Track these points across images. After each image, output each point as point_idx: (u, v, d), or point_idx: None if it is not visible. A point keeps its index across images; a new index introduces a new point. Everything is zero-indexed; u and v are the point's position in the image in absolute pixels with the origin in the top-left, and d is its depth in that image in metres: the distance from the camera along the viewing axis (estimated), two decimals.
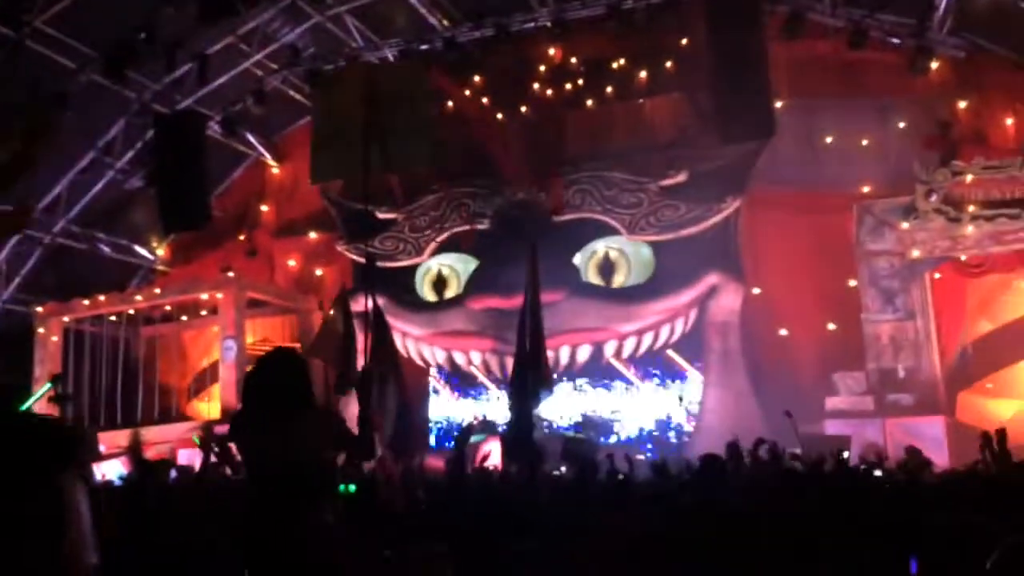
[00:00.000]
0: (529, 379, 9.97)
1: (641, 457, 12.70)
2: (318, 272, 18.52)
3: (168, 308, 18.35)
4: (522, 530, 5.38)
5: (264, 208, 19.22)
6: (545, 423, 15.22)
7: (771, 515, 4.45)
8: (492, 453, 13.32)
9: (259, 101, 17.11)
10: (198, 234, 18.07)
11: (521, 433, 10.04)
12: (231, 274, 17.58)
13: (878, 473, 8.66)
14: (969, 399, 14.15)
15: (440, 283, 16.62)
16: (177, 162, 15.68)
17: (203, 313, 18.12)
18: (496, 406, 15.70)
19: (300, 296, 18.24)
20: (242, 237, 18.96)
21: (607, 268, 15.71)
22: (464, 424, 15.97)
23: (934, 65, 14.69)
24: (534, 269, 10.00)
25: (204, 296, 17.69)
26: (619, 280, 15.63)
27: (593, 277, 15.63)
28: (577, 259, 15.72)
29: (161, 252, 19.65)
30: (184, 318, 18.43)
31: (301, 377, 3.85)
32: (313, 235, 18.28)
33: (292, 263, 18.73)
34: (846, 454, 10.15)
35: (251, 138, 18.53)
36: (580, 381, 15.69)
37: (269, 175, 19.44)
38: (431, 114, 14.60)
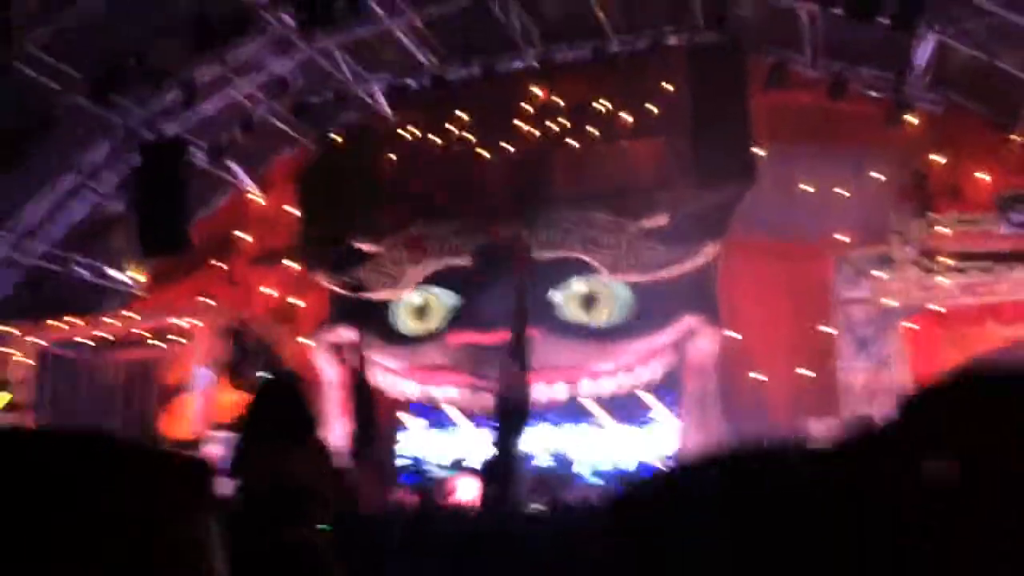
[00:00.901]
0: (514, 412, 10.26)
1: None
2: (296, 302, 18.64)
3: (144, 333, 18.37)
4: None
5: (245, 236, 19.34)
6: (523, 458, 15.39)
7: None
8: (461, 488, 13.44)
9: (246, 130, 17.31)
10: (177, 260, 18.10)
11: (509, 465, 10.31)
12: (209, 301, 17.65)
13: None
14: None
15: (423, 312, 16.81)
16: (159, 188, 15.84)
17: (180, 340, 18.15)
18: (468, 442, 15.82)
19: (276, 326, 18.33)
20: (223, 265, 19.01)
21: (590, 301, 16.00)
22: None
23: (912, 119, 15.14)
24: (522, 305, 10.13)
25: (181, 322, 17.74)
26: (602, 315, 15.90)
27: (574, 310, 15.89)
28: (555, 296, 16.02)
29: (140, 277, 19.69)
30: (160, 344, 18.45)
31: (303, 406, 3.92)
32: (292, 264, 18.43)
33: (271, 291, 18.84)
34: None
35: (235, 167, 18.70)
36: (551, 423, 15.87)
37: (252, 204, 19.64)
38: None
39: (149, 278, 19.69)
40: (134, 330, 18.21)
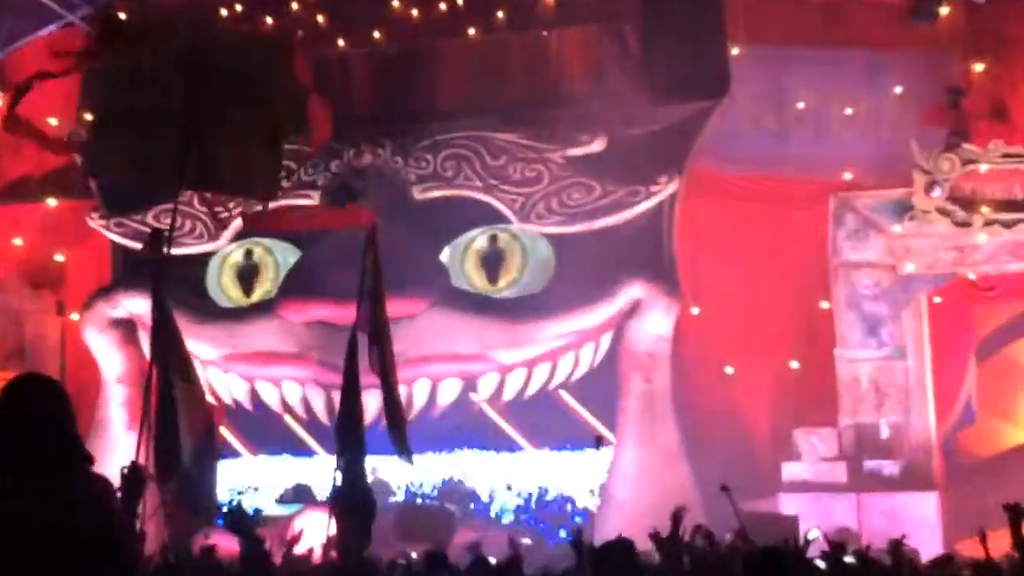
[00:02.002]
0: (358, 423, 10.01)
1: (527, 541, 12.93)
2: (58, 257, 17.95)
3: None
4: None
5: None
6: (389, 488, 15.27)
7: None
8: (308, 531, 13.23)
9: None
10: None
11: (357, 498, 10.01)
12: None
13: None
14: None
15: (249, 273, 16.52)
16: None
17: None
18: (315, 465, 15.67)
19: (28, 292, 17.67)
20: None
21: (493, 259, 15.92)
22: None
23: (943, 11, 15.25)
24: (375, 262, 9.93)
25: None
26: (509, 281, 15.81)
27: (471, 275, 15.83)
28: (446, 255, 15.85)
29: None
30: None
31: (66, 418, 3.84)
32: (52, 202, 17.75)
33: (18, 242, 18.07)
34: (814, 535, 10.22)
35: None
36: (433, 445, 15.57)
37: None
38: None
39: None
40: None
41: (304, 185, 16.30)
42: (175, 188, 9.20)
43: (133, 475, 5.59)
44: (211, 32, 12.03)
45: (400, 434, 10.12)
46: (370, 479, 11.19)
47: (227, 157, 8.59)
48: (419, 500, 15.46)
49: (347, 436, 9.94)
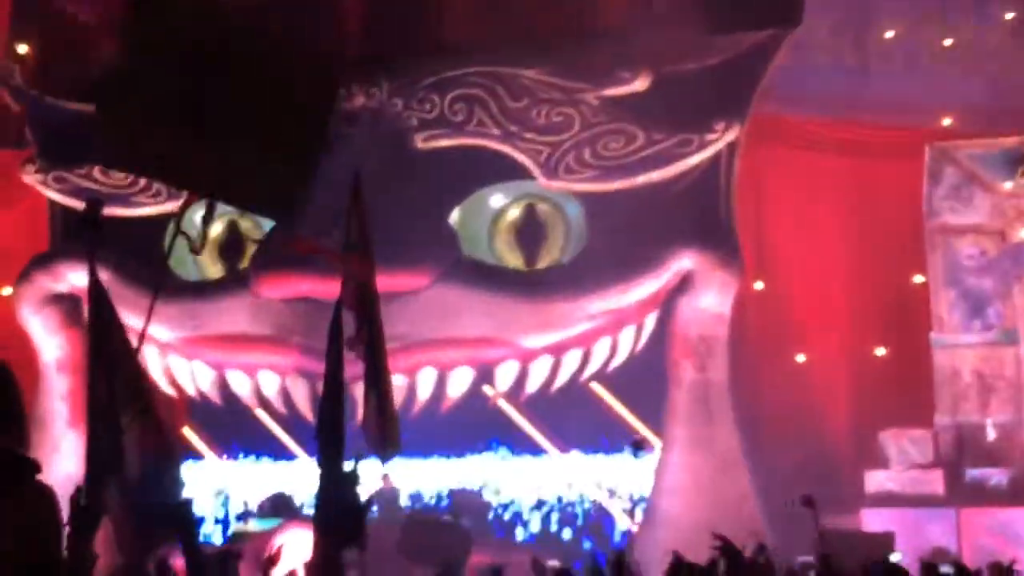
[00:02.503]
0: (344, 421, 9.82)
1: (555, 564, 12.52)
2: None
3: None
4: None
5: None
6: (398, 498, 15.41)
7: None
8: (287, 550, 13.21)
9: None
10: None
11: (344, 512, 9.83)
12: None
13: None
14: None
15: (224, 241, 16.42)
16: None
17: None
18: (296, 471, 15.80)
19: None
20: None
21: (530, 232, 15.78)
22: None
23: None
24: (361, 222, 9.80)
25: None
26: (551, 257, 15.72)
27: (503, 251, 15.79)
28: (455, 216, 15.65)
29: None
30: None
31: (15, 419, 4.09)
32: None
33: None
34: (895, 557, 10.69)
35: None
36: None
37: None
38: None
39: None
40: None
41: None
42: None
43: (84, 507, 5.57)
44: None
45: (385, 427, 9.96)
46: (376, 486, 12.23)
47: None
48: (425, 514, 15.44)
49: (328, 435, 9.79)
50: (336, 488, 10.42)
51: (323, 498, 10.50)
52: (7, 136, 16.98)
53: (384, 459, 10.14)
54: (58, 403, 16.10)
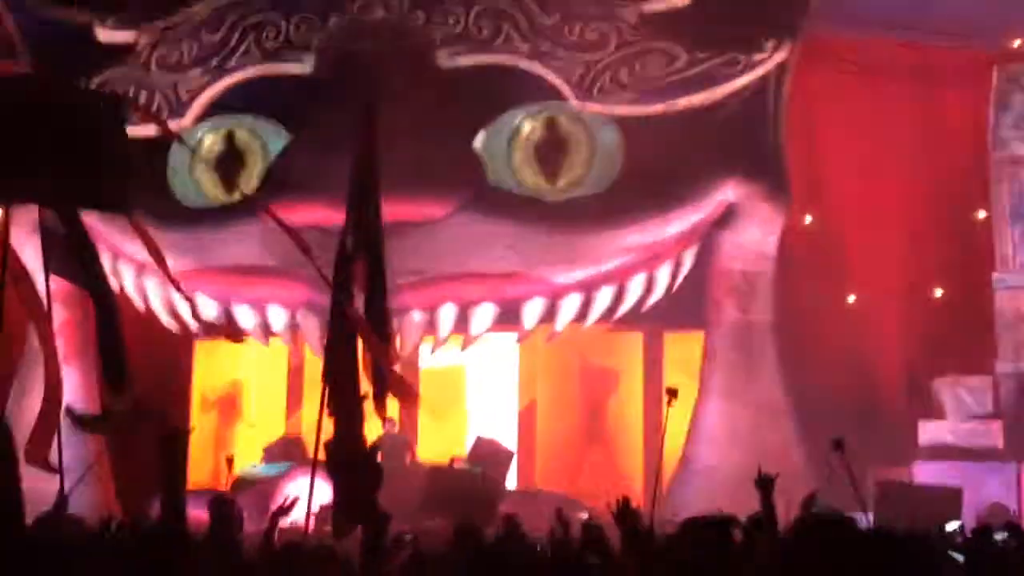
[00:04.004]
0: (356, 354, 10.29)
1: (584, 515, 12.70)
2: None
3: None
4: None
5: None
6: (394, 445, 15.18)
7: None
8: (298, 498, 13.15)
9: None
10: None
11: (352, 461, 10.27)
12: None
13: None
14: None
15: (231, 161, 15.93)
16: None
17: None
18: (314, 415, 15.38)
19: None
20: None
21: (545, 153, 15.25)
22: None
23: None
24: (368, 148, 9.74)
25: None
26: (572, 175, 15.21)
27: (522, 168, 15.28)
28: (480, 142, 15.22)
29: None
30: None
31: None
32: None
33: None
34: (952, 526, 10.54)
35: None
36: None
37: None
38: None
39: None
40: None
41: (295, 46, 15.67)
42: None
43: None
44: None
45: (386, 377, 10.30)
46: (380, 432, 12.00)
47: None
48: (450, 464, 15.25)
49: (339, 375, 10.04)
50: (348, 431, 10.46)
51: (335, 444, 10.63)
52: (5, 47, 16.63)
53: (379, 401, 10.37)
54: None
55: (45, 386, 10.41)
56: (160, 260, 10.34)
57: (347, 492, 10.69)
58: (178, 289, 11.11)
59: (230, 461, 12.06)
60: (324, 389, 10.27)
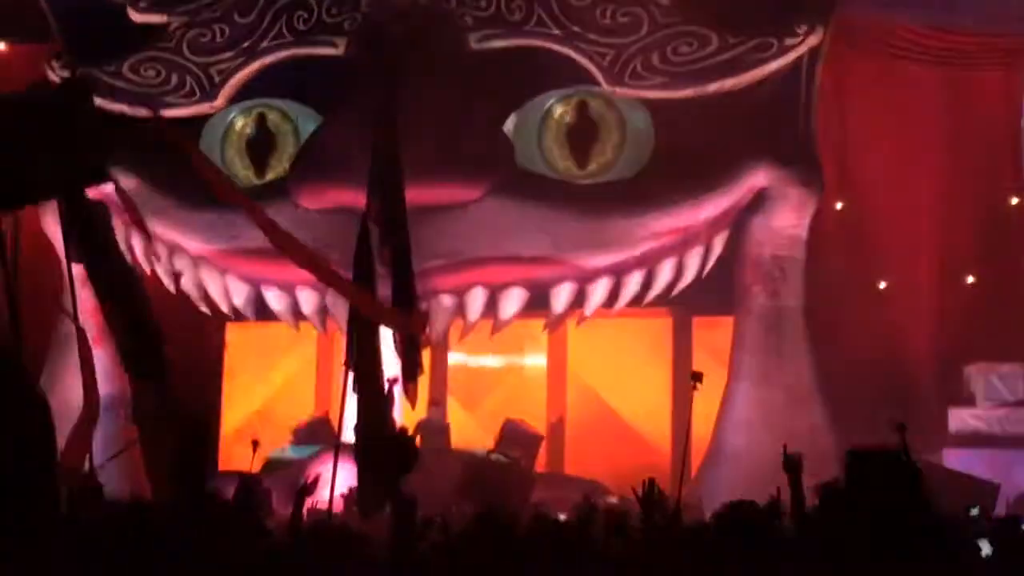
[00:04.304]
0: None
1: (614, 500, 12.84)
2: None
3: None
4: None
5: None
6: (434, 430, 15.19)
7: None
8: (320, 475, 13.34)
9: None
10: None
11: (379, 443, 10.45)
12: None
13: None
14: None
15: (262, 145, 16.04)
16: None
17: None
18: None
19: None
20: None
21: (582, 133, 15.25)
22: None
23: None
24: (388, 133, 9.35)
25: None
26: (602, 159, 15.21)
27: (552, 150, 15.31)
28: (511, 124, 15.25)
29: None
30: None
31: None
32: None
33: None
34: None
35: None
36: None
37: None
38: None
39: None
40: None
41: (326, 29, 15.63)
42: None
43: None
44: None
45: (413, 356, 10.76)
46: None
47: None
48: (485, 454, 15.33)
49: (364, 359, 10.37)
50: (374, 414, 10.46)
51: (363, 428, 10.68)
52: (33, 30, 16.65)
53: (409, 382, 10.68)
54: (83, 321, 15.81)
55: (85, 402, 10.50)
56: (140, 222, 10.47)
57: (372, 474, 10.72)
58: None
59: (255, 444, 12.17)
60: (346, 372, 10.32)
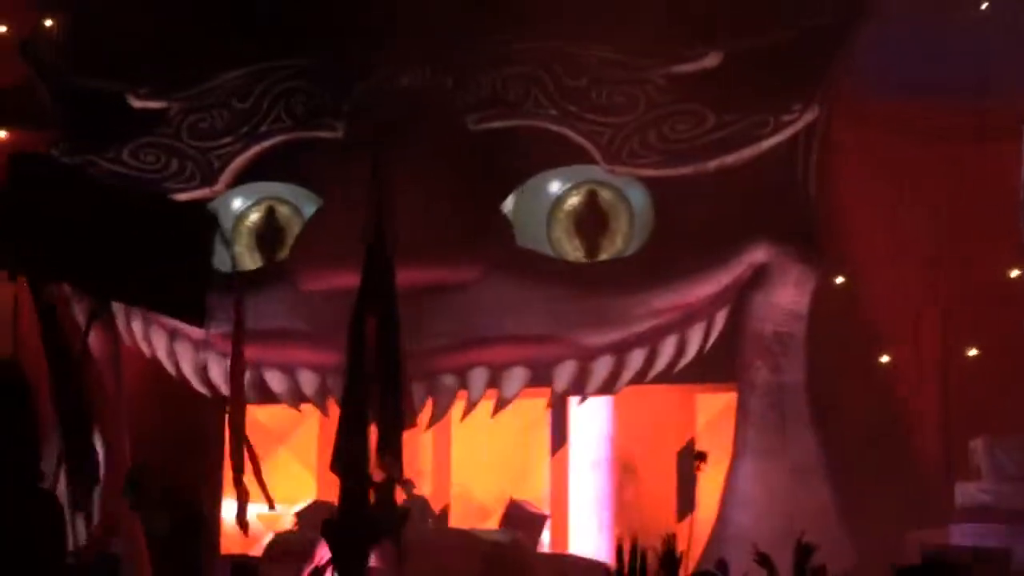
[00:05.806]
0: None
1: None
2: None
3: None
4: None
5: None
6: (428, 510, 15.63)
7: None
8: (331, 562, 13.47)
9: None
10: None
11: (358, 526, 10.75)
12: None
13: None
14: None
15: (271, 233, 16.15)
16: None
17: None
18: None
19: None
20: None
21: (593, 223, 15.33)
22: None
23: None
24: (380, 211, 9.98)
25: None
26: (613, 249, 15.34)
27: (562, 240, 15.42)
28: (510, 204, 15.35)
29: None
30: None
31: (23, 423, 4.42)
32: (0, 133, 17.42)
33: None
34: None
35: None
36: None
37: None
38: None
39: None
40: None
41: (324, 112, 15.72)
42: None
43: None
44: None
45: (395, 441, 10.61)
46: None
47: None
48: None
49: (349, 439, 10.67)
50: (359, 494, 10.55)
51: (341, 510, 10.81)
52: (32, 117, 16.80)
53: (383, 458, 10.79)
54: None
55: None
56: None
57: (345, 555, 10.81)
58: None
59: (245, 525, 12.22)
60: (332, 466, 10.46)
